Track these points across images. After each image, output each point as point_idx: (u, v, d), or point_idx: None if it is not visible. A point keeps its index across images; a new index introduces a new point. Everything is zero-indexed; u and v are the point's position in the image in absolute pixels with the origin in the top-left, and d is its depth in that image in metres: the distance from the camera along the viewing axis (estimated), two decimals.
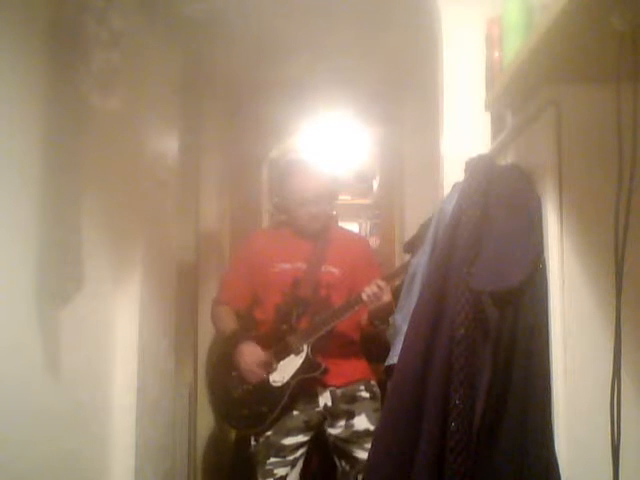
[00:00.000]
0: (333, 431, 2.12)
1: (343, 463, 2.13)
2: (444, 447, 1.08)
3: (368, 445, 1.98)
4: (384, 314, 1.98)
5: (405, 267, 1.97)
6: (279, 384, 2.09)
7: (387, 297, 1.95)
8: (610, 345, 0.91)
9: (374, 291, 1.94)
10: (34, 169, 1.49)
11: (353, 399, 2.13)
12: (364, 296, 1.96)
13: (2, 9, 1.36)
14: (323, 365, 2.08)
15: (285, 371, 2.09)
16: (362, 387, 2.16)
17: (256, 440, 2.13)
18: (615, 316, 0.90)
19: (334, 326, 2.08)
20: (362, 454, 2.02)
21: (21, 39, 1.45)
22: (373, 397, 2.16)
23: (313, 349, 2.09)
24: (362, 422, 2.08)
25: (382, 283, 1.95)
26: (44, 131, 1.52)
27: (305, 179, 2.23)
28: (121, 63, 1.83)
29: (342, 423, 2.10)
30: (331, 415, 2.12)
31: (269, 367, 2.10)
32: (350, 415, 2.10)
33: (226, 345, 2.21)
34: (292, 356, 2.10)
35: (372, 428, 2.05)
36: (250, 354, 2.11)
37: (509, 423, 1.07)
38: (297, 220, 2.24)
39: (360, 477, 2.02)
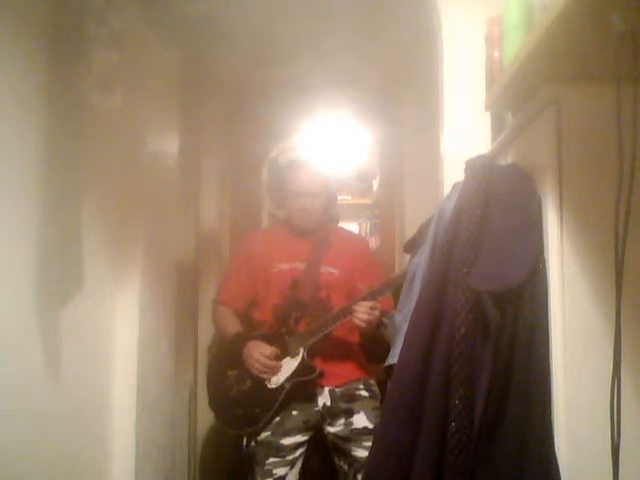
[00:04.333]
0: (332, 429, 2.11)
1: (342, 462, 2.13)
2: (444, 447, 1.08)
3: (367, 444, 1.98)
4: (374, 327, 2.02)
5: (389, 284, 1.99)
6: (274, 386, 2.09)
7: (378, 312, 1.98)
8: (610, 345, 0.91)
9: (367, 312, 1.96)
10: (34, 169, 1.49)
11: (352, 397, 2.13)
12: (356, 321, 1.97)
13: (2, 9, 1.36)
14: (318, 369, 2.08)
15: (281, 373, 2.09)
16: (361, 386, 2.16)
17: (249, 441, 2.13)
18: (615, 316, 0.90)
19: (331, 330, 2.08)
20: (360, 452, 2.03)
21: (21, 39, 1.44)
22: (372, 396, 2.16)
23: (310, 352, 2.10)
24: (361, 420, 2.08)
25: (371, 304, 1.96)
26: (44, 131, 1.52)
27: (303, 172, 2.27)
28: (121, 63, 1.83)
29: (341, 421, 2.11)
30: (330, 414, 2.12)
31: (279, 359, 2.10)
32: (349, 413, 2.10)
33: (231, 346, 2.20)
34: (288, 358, 2.10)
35: (371, 426, 2.05)
36: (259, 349, 2.11)
37: (509, 423, 1.07)
38: (291, 215, 2.25)
39: (359, 476, 2.02)
